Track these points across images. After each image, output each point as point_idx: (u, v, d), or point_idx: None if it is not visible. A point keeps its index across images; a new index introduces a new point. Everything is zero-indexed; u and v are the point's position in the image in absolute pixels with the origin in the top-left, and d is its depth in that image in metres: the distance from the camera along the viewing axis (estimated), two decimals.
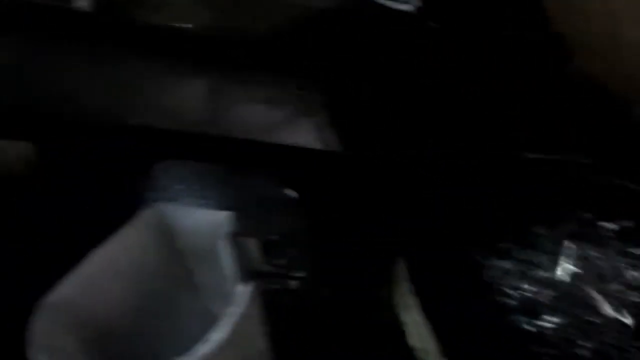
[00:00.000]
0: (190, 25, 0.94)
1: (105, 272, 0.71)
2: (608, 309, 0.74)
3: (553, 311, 0.77)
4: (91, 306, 0.69)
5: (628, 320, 0.74)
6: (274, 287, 0.83)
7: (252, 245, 0.71)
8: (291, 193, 1.18)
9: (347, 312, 0.87)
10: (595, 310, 0.75)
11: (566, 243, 0.80)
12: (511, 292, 0.79)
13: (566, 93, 0.94)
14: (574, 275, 0.78)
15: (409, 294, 0.82)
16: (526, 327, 0.77)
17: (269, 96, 0.95)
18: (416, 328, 0.82)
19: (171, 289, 0.82)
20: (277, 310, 0.71)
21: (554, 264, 0.80)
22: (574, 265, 0.79)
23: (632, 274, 0.77)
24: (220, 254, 0.74)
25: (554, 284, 0.79)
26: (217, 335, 0.57)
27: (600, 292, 0.76)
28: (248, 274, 0.62)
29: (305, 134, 0.95)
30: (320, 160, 0.96)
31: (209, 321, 0.86)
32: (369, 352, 0.83)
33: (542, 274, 0.80)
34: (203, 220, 0.78)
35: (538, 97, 0.96)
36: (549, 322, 0.76)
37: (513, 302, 0.79)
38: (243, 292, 0.61)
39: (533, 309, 0.78)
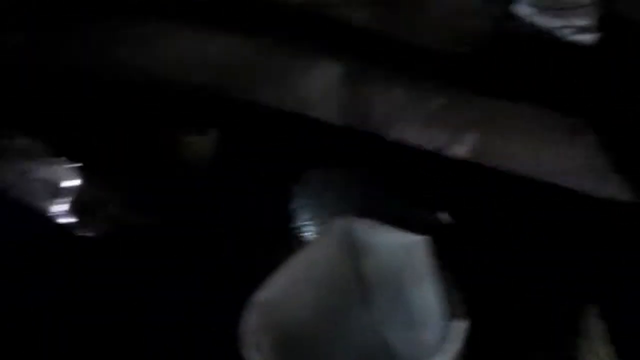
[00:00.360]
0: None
1: (301, 278, 0.72)
2: None
3: None
4: (287, 308, 0.70)
5: None
6: None
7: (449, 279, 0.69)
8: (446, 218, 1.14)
9: None
10: None
11: None
12: None
13: None
14: None
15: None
16: None
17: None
18: None
19: (347, 304, 0.81)
20: None
21: None
22: None
23: None
24: (414, 281, 0.74)
25: None
26: None
27: None
28: (459, 310, 0.60)
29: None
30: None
31: (378, 345, 0.87)
32: None
33: None
34: (394, 242, 0.77)
35: None
36: None
37: None
38: (458, 329, 0.59)
39: None
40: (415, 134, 1.00)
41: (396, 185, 1.23)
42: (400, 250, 0.76)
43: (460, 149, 0.97)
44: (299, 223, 1.25)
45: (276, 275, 0.69)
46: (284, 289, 0.69)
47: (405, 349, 0.81)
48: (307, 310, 0.74)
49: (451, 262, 0.68)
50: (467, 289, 0.65)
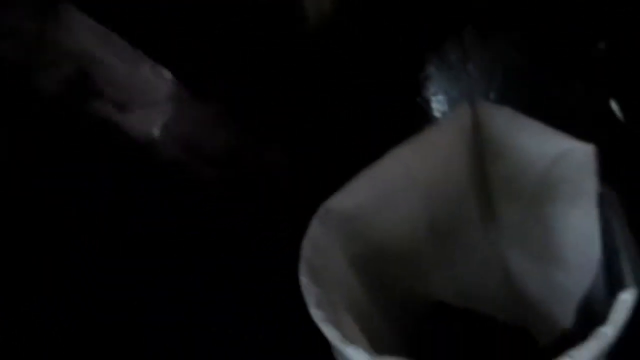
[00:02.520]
0: None
1: (399, 181, 0.53)
2: None
3: None
4: (374, 219, 0.53)
5: None
6: None
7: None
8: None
9: None
10: None
11: None
12: None
13: None
14: None
15: None
16: None
17: None
18: None
19: (460, 216, 0.62)
20: None
21: None
22: None
23: None
24: (564, 203, 0.51)
25: None
26: (585, 355, 0.36)
27: None
28: (637, 271, 0.38)
29: None
30: None
31: (494, 276, 0.68)
32: None
33: None
34: (541, 144, 0.53)
35: None
36: None
37: None
38: (628, 299, 0.37)
39: None
40: None
41: (562, 62, 0.96)
42: (548, 156, 0.53)
43: None
44: (427, 95, 1.04)
45: (364, 175, 0.51)
46: (374, 194, 0.51)
47: (530, 287, 0.62)
48: (404, 224, 0.56)
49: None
50: None
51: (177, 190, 0.75)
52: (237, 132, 0.68)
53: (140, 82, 0.63)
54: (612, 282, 0.40)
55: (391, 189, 0.52)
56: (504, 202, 0.61)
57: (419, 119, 1.00)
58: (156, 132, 0.64)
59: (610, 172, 0.48)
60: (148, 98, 0.63)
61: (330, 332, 0.42)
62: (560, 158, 0.52)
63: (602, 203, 0.45)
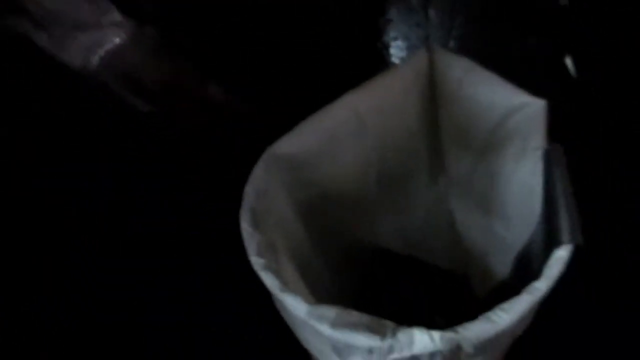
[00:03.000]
0: None
1: (348, 125, 0.52)
2: None
3: None
4: (321, 164, 0.51)
5: None
6: None
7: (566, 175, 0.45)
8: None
9: None
10: None
11: None
12: None
13: None
14: None
15: None
16: None
17: None
18: None
19: (410, 163, 0.61)
20: None
21: None
22: None
23: None
24: (511, 156, 0.51)
25: None
26: (519, 307, 0.36)
27: None
28: (577, 230, 0.38)
29: None
30: None
31: (439, 224, 0.68)
32: None
33: None
34: (494, 96, 0.53)
35: None
36: None
37: None
38: (563, 255, 0.38)
39: None
40: None
41: (521, 16, 0.96)
42: (501, 109, 0.52)
43: None
44: (387, 40, 1.02)
45: (312, 120, 0.49)
46: (321, 139, 0.50)
47: (472, 238, 0.63)
48: (351, 170, 0.55)
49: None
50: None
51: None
52: (176, 67, 0.65)
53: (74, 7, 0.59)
54: (549, 238, 0.40)
55: (339, 134, 0.51)
56: (454, 153, 0.60)
57: (377, 64, 0.98)
58: (94, 60, 0.60)
59: (560, 127, 0.48)
60: (83, 23, 0.58)
61: (269, 280, 0.41)
62: (513, 111, 0.51)
63: (547, 158, 0.45)
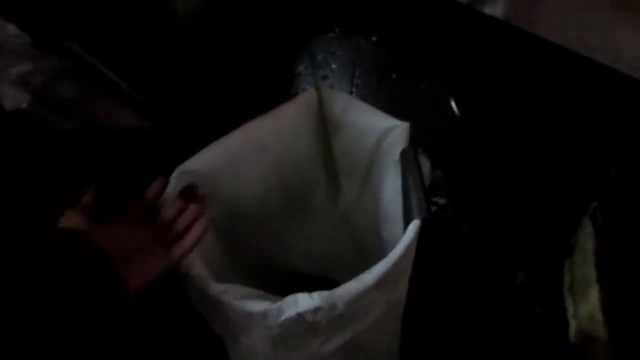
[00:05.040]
0: None
1: (249, 147, 0.61)
2: None
3: None
4: (227, 182, 0.60)
5: None
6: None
7: (427, 169, 0.57)
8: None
9: None
10: None
11: None
12: None
13: None
14: None
15: None
16: None
17: None
18: None
19: (310, 184, 0.71)
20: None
21: None
22: None
23: None
24: (386, 169, 0.62)
25: None
26: (380, 268, 0.46)
27: None
28: (423, 206, 0.49)
29: None
30: None
31: (337, 232, 0.77)
32: None
33: None
34: (369, 122, 0.64)
35: None
36: None
37: None
38: (413, 228, 0.48)
39: None
40: None
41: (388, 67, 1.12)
42: (376, 132, 0.63)
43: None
44: (297, 91, 1.15)
45: (217, 143, 0.58)
46: (225, 159, 0.59)
47: (373, 243, 0.72)
48: (256, 187, 0.64)
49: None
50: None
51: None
52: (87, 84, 0.70)
53: None
54: (407, 219, 0.50)
55: (242, 155, 0.59)
56: (346, 177, 0.70)
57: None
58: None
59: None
60: None
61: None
62: (386, 133, 0.62)
63: (402, 158, 0.56)
